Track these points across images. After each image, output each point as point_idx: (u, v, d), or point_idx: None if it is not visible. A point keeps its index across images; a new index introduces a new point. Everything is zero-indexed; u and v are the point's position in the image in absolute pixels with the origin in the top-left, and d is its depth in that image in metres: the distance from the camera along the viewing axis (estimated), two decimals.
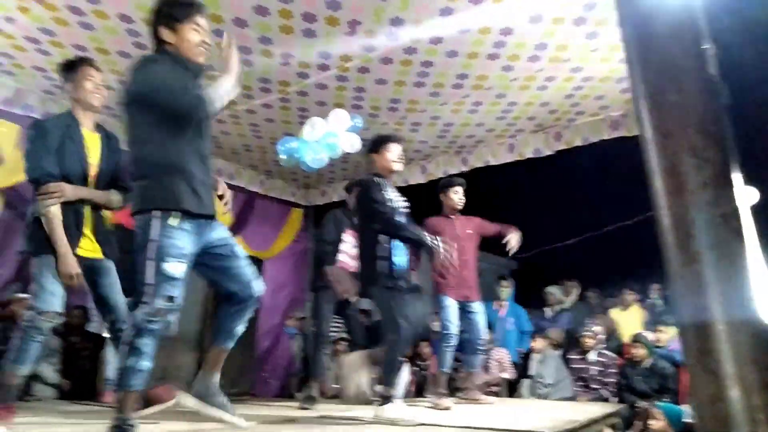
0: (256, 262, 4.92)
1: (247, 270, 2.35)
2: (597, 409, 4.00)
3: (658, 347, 5.12)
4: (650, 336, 5.17)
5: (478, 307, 4.32)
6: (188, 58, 2.33)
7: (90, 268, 2.69)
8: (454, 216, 4.45)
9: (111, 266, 2.79)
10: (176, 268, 2.07)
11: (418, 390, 5.75)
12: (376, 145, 3.50)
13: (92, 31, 3.81)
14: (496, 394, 5.47)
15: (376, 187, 3.29)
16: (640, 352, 4.92)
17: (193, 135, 2.21)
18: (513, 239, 4.18)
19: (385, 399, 2.98)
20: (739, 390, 0.72)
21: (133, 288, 2.20)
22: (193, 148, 2.20)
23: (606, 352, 5.28)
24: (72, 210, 2.64)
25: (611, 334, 5.78)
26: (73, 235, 2.62)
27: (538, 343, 5.53)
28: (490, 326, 5.77)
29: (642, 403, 4.66)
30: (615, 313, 6.10)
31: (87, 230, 2.71)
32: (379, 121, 5.14)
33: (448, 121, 5.20)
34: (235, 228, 6.31)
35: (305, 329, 6.74)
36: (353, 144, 4.14)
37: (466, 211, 4.54)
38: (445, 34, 3.79)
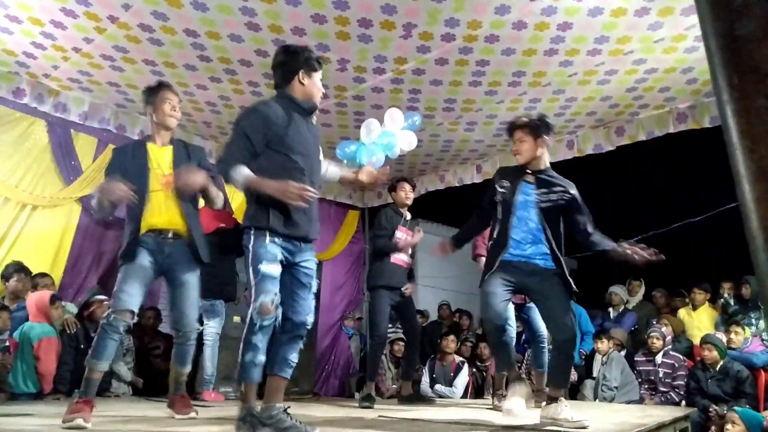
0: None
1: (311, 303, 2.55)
2: (666, 413, 3.86)
3: (731, 349, 4.87)
4: (722, 337, 4.93)
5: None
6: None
7: (174, 281, 3.04)
8: None
9: (191, 279, 3.04)
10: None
11: (478, 391, 5.73)
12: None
13: (161, 46, 4.02)
14: None
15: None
16: (711, 354, 4.70)
17: None
18: None
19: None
20: None
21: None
22: None
23: (674, 353, 5.08)
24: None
25: (680, 335, 5.55)
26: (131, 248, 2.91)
27: (602, 345, 5.38)
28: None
29: (716, 408, 4.46)
30: (684, 313, 5.85)
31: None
32: (434, 121, 5.16)
33: (505, 120, 5.10)
34: None
35: (362, 329, 6.85)
36: (410, 142, 4.16)
37: None
38: (500, 32, 3.76)
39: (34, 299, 4.16)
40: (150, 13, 3.63)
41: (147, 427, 2.76)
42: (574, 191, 3.00)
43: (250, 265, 2.37)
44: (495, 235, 3.00)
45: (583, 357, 5.78)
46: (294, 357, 2.51)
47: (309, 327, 2.55)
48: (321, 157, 2.68)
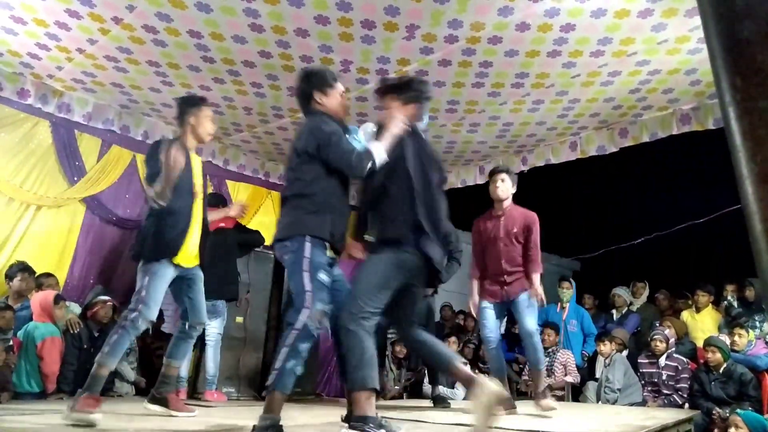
0: None
1: None
2: (669, 415, 3.85)
3: (735, 351, 4.86)
4: (726, 339, 4.92)
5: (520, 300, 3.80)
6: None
7: (186, 277, 3.08)
8: (500, 213, 3.94)
9: (201, 275, 3.17)
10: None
11: None
12: None
13: (165, 47, 4.03)
14: (561, 398, 5.36)
15: None
16: (715, 356, 4.69)
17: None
18: None
19: None
20: None
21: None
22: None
23: (677, 356, 5.06)
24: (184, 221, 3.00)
25: (683, 337, 5.53)
26: (178, 243, 2.96)
27: (605, 347, 5.37)
28: (556, 328, 5.66)
29: (719, 410, 4.44)
30: (687, 316, 5.83)
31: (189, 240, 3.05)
32: (437, 123, 5.16)
33: (508, 121, 5.15)
34: None
35: None
36: None
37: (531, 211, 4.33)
38: (503, 34, 3.76)
39: (38, 299, 4.18)
40: (154, 15, 3.64)
41: (152, 425, 2.77)
42: None
43: (307, 272, 2.31)
44: None
45: (586, 359, 5.77)
46: None
47: None
48: None
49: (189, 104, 3.21)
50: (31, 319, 4.12)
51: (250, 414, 3.41)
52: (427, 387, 5.55)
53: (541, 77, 4.35)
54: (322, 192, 2.42)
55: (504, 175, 3.89)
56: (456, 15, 3.56)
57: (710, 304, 5.75)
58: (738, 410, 4.08)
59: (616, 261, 9.37)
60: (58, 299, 4.23)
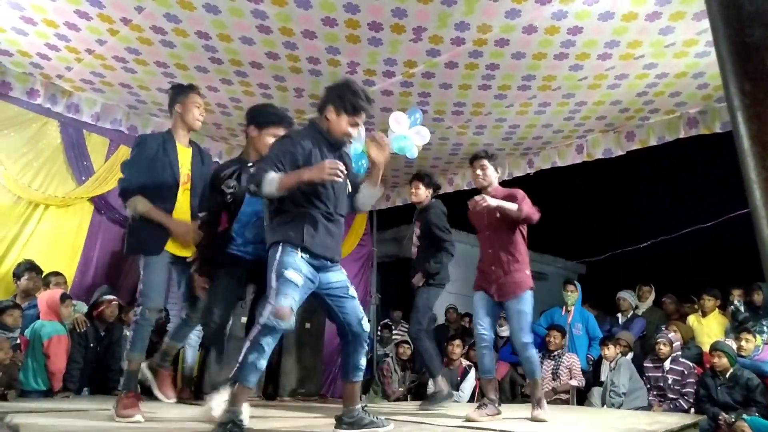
0: None
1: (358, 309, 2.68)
2: (674, 420, 3.82)
3: (741, 356, 4.83)
4: (733, 344, 4.89)
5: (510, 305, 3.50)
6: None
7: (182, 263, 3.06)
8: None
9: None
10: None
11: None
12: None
13: (173, 48, 4.05)
14: (566, 402, 5.34)
15: None
16: (721, 361, 4.66)
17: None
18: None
19: None
20: None
21: None
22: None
23: (683, 360, 5.03)
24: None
25: (689, 341, 5.50)
26: (163, 236, 2.92)
27: (610, 351, 5.34)
28: (562, 330, 5.65)
29: (725, 416, 4.42)
30: (693, 320, 5.80)
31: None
32: (443, 124, 5.16)
33: (514, 123, 5.15)
34: None
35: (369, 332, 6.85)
36: (423, 136, 4.17)
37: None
38: (510, 36, 3.76)
39: (45, 298, 4.20)
40: (162, 16, 3.66)
41: (160, 423, 2.78)
42: None
43: (274, 272, 2.41)
44: None
45: (591, 363, 5.75)
46: (363, 361, 2.71)
47: (367, 329, 2.70)
48: (349, 188, 2.76)
49: (176, 92, 3.18)
50: (38, 318, 4.14)
51: (252, 413, 3.42)
52: (431, 389, 5.55)
53: (548, 80, 4.34)
54: (292, 204, 2.53)
55: (484, 162, 3.62)
56: (463, 17, 3.56)
57: (717, 309, 5.72)
58: (745, 416, 4.06)
59: (622, 264, 9.34)
60: (64, 298, 4.26)
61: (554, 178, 6.32)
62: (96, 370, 4.52)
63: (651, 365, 5.15)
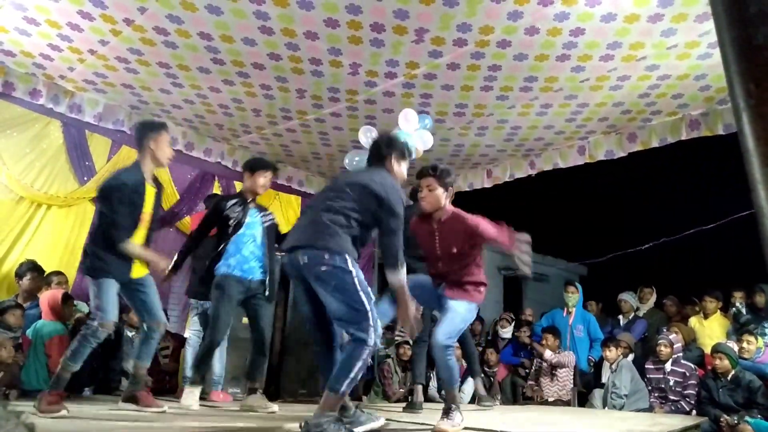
0: None
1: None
2: (676, 422, 3.83)
3: (743, 358, 4.82)
4: (734, 346, 4.88)
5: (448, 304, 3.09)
6: None
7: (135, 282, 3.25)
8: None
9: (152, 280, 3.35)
10: None
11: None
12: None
13: (175, 49, 4.06)
14: (567, 404, 5.34)
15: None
16: (723, 363, 4.65)
17: None
18: None
19: None
20: None
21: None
22: None
23: (685, 362, 5.02)
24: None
25: (690, 343, 5.50)
26: (129, 264, 3.17)
27: (611, 352, 5.33)
28: (555, 332, 5.64)
29: (726, 417, 4.41)
30: (695, 322, 5.80)
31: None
32: (445, 126, 5.16)
33: (516, 125, 5.15)
34: None
35: None
36: (425, 141, 4.18)
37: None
38: (513, 38, 3.77)
39: (47, 297, 4.20)
40: (165, 17, 3.67)
41: (161, 423, 2.78)
42: None
43: (361, 290, 2.39)
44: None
45: (592, 364, 5.74)
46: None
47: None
48: None
49: (149, 129, 3.31)
50: (40, 318, 4.15)
51: (253, 414, 3.43)
52: (432, 390, 5.54)
53: (550, 81, 4.34)
54: (366, 233, 2.63)
55: (430, 180, 3.01)
56: (465, 19, 3.56)
57: (718, 311, 5.71)
58: (747, 418, 4.05)
59: (623, 266, 9.33)
60: (66, 298, 4.26)
61: (556, 179, 6.32)
62: (97, 371, 4.52)
63: (652, 367, 5.14)
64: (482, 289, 3.14)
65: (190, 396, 3.52)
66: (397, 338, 7.12)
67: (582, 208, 11.23)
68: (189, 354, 4.92)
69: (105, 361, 4.55)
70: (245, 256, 3.70)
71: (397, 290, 2.60)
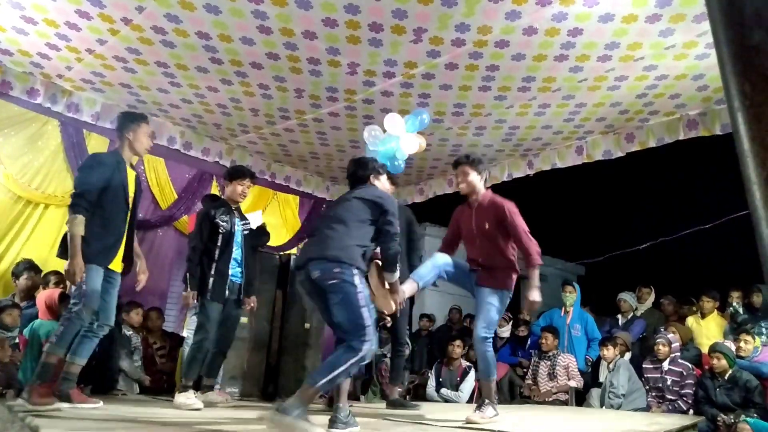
0: None
1: None
2: (673, 421, 3.84)
3: (740, 358, 4.83)
4: (732, 346, 4.89)
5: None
6: None
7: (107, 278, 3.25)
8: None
9: (119, 280, 3.38)
10: None
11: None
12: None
13: (173, 48, 4.05)
14: (564, 403, 5.35)
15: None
16: (720, 362, 4.66)
17: None
18: None
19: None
20: None
21: None
22: None
23: (682, 361, 5.04)
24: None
25: (688, 343, 5.51)
26: (114, 251, 3.21)
27: (609, 351, 5.34)
28: (554, 331, 5.65)
29: (724, 417, 4.42)
30: (692, 321, 5.81)
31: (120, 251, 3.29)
32: (443, 125, 5.17)
33: (514, 124, 5.15)
34: (304, 233, 6.50)
35: None
36: (413, 146, 4.15)
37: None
38: (511, 38, 3.77)
39: (44, 297, 4.19)
40: (163, 16, 3.67)
41: (160, 426, 2.78)
42: None
43: (364, 305, 2.56)
44: None
45: (590, 364, 5.75)
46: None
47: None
48: None
49: (129, 120, 3.36)
50: (37, 317, 4.14)
51: (253, 413, 3.42)
52: (431, 389, 5.55)
53: (548, 81, 4.35)
54: (372, 244, 2.84)
55: (465, 168, 3.41)
56: (463, 19, 3.57)
57: (715, 310, 5.73)
58: (747, 418, 4.06)
59: (621, 266, 9.35)
60: (63, 297, 4.25)
61: (554, 179, 6.32)
62: (95, 370, 4.51)
63: (650, 366, 5.15)
64: (513, 276, 3.40)
65: (182, 396, 3.54)
66: None
67: (580, 208, 11.26)
68: (186, 353, 4.92)
69: (102, 361, 4.54)
70: (238, 261, 4.01)
71: (392, 284, 2.89)
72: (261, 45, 3.96)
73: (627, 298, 6.22)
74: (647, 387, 5.12)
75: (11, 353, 3.80)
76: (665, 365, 5.00)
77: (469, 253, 3.53)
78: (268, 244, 5.18)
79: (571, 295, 6.02)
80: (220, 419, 3.08)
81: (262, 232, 4.77)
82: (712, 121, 4.75)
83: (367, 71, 4.27)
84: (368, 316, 2.54)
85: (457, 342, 5.66)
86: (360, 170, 3.04)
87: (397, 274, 2.85)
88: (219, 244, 3.86)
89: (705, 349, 5.17)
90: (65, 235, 3.18)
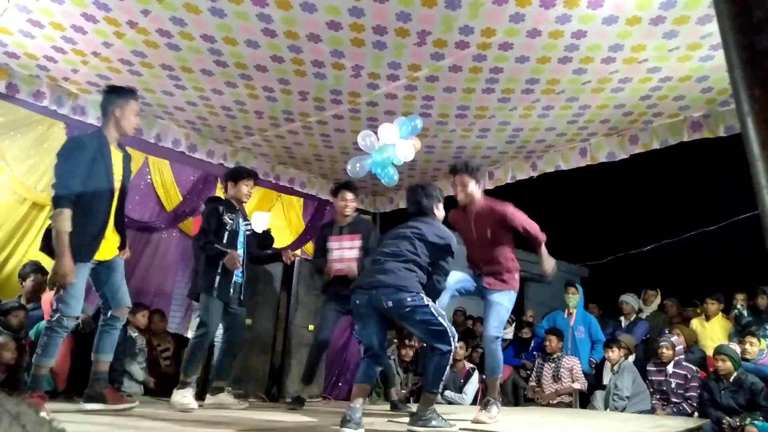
0: None
1: None
2: (677, 424, 3.84)
3: (745, 360, 4.82)
4: (736, 348, 4.88)
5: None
6: None
7: (103, 265, 3.11)
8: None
9: (120, 262, 3.22)
10: None
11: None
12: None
13: (178, 51, 4.07)
14: (569, 405, 5.34)
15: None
16: (725, 365, 4.65)
17: None
18: None
19: None
20: None
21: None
22: None
23: (687, 364, 5.03)
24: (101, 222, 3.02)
25: (692, 345, 5.50)
26: (96, 245, 2.99)
27: (613, 354, 5.34)
28: (558, 334, 5.64)
29: (728, 419, 4.41)
30: (696, 324, 5.80)
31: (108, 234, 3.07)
32: (447, 128, 5.17)
33: (518, 127, 5.16)
34: (308, 235, 6.51)
35: None
36: (409, 153, 4.16)
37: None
38: (514, 40, 3.77)
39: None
40: (168, 19, 3.68)
41: (166, 424, 2.79)
42: None
43: (438, 315, 2.88)
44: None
45: (593, 366, 5.74)
46: None
47: None
48: None
49: (116, 95, 3.13)
50: (43, 319, 4.15)
51: (257, 414, 3.43)
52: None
53: (552, 83, 4.35)
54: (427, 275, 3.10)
55: (464, 177, 3.47)
56: (467, 21, 3.57)
57: (720, 313, 5.72)
58: (754, 421, 4.04)
59: (625, 268, 9.33)
60: None
61: (558, 181, 6.32)
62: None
63: (654, 369, 5.14)
64: (517, 275, 3.57)
65: (178, 394, 3.57)
66: (396, 340, 7.12)
67: (583, 210, 11.23)
68: (186, 350, 4.93)
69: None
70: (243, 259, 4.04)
71: None
72: (265, 48, 3.97)
73: (629, 300, 6.22)
74: (651, 389, 5.12)
75: (18, 355, 3.81)
76: (669, 368, 4.99)
77: (469, 255, 3.69)
78: (272, 246, 5.19)
79: (574, 297, 6.01)
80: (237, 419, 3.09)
81: (266, 236, 4.78)
82: (716, 123, 4.75)
83: (371, 74, 4.28)
84: (443, 320, 2.87)
85: (460, 344, 5.66)
86: (426, 200, 3.19)
87: None
88: (224, 242, 3.90)
89: (709, 352, 5.17)
90: (48, 229, 3.00)
